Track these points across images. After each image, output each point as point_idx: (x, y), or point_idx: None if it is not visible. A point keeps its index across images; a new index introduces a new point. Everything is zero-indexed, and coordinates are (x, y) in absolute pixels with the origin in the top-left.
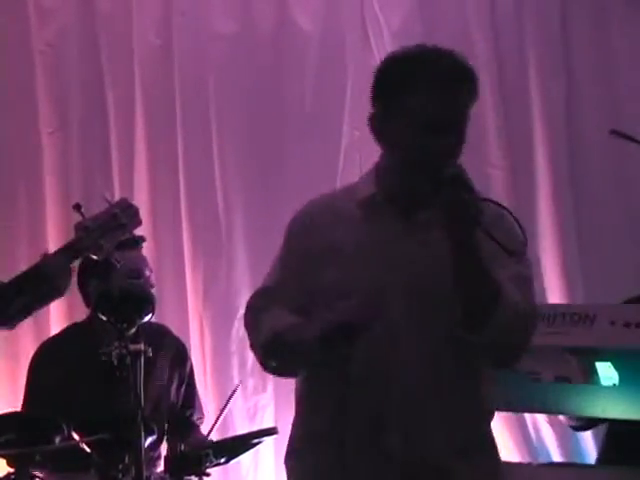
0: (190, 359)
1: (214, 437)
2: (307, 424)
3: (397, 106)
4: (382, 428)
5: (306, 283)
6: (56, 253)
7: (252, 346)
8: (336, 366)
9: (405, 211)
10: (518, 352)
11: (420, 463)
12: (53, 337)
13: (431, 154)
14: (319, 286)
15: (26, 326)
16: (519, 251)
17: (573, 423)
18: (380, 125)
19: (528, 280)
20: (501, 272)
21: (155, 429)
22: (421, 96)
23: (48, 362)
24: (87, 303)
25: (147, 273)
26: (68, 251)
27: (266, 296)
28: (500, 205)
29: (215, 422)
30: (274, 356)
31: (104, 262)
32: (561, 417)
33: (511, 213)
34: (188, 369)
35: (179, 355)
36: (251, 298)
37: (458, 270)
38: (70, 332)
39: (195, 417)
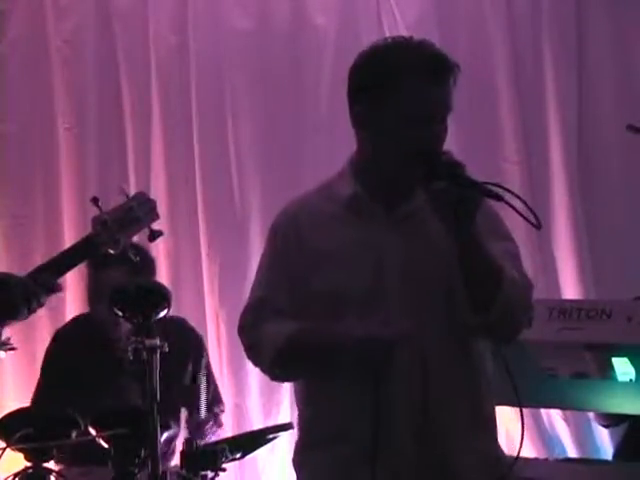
0: (207, 352)
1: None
2: (313, 425)
3: (387, 99)
4: (389, 425)
5: (298, 289)
6: (74, 246)
7: (253, 357)
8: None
9: (388, 205)
10: (520, 326)
11: (428, 457)
12: (67, 326)
13: (425, 142)
14: (313, 291)
15: (42, 321)
16: (501, 228)
17: (604, 422)
18: (368, 120)
19: (516, 255)
20: (493, 248)
21: (171, 424)
22: (411, 87)
23: (61, 352)
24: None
25: None
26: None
27: (259, 308)
28: (494, 187)
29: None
30: (287, 362)
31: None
32: (590, 416)
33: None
34: (205, 361)
35: (197, 348)
36: (244, 313)
37: (461, 254)
38: (83, 322)
39: (217, 409)
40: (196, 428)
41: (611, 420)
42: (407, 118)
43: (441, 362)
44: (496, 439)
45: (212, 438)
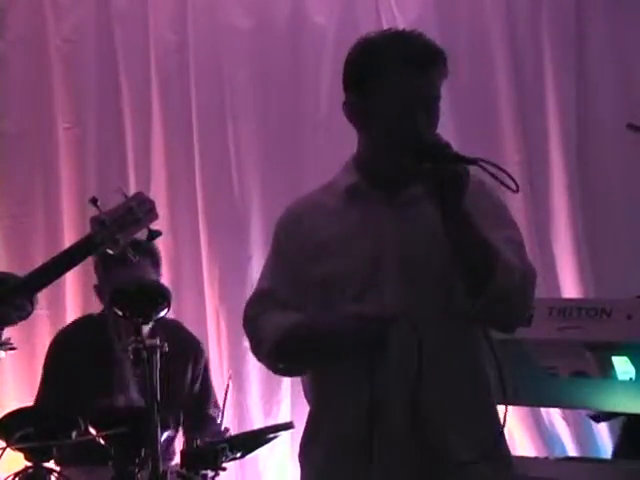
0: (205, 356)
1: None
2: (317, 421)
3: (374, 90)
4: (384, 416)
5: (301, 281)
6: (74, 246)
7: (255, 350)
8: (350, 360)
9: (388, 193)
10: (521, 312)
11: (424, 447)
12: (68, 328)
13: (411, 129)
14: (314, 279)
15: (42, 321)
16: (505, 216)
17: (591, 413)
18: (358, 111)
19: (519, 243)
20: (492, 234)
21: (171, 423)
22: (396, 76)
23: (63, 354)
24: (101, 298)
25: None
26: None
27: (263, 300)
28: (483, 161)
29: (221, 417)
30: (285, 355)
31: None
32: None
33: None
34: (202, 365)
35: (193, 351)
36: (248, 305)
37: (453, 236)
38: (85, 324)
39: (211, 412)
40: (193, 433)
41: (600, 413)
42: (392, 107)
43: (437, 349)
44: (495, 427)
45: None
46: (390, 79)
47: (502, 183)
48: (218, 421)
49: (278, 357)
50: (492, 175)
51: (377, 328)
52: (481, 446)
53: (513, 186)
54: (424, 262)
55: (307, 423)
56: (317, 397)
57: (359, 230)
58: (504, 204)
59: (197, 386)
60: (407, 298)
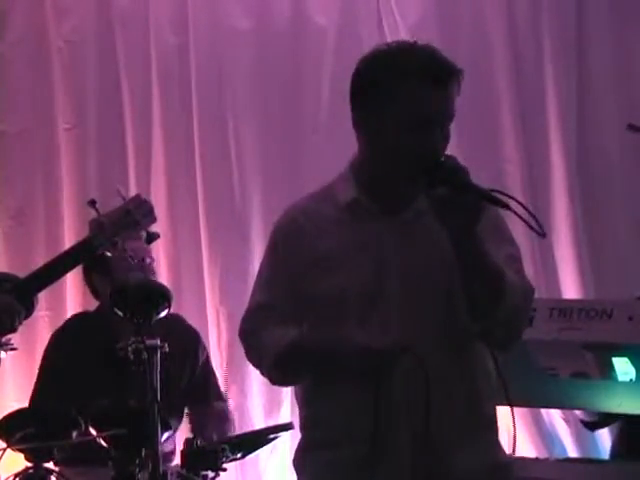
0: (205, 348)
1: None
2: (314, 427)
3: (385, 102)
4: (388, 428)
5: (299, 294)
6: (72, 249)
7: (256, 365)
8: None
9: (389, 209)
10: (520, 333)
11: (428, 462)
12: (64, 326)
13: (423, 147)
14: (314, 295)
15: (42, 321)
16: (505, 233)
17: (586, 419)
18: (367, 124)
19: (518, 260)
20: (493, 252)
21: (171, 424)
22: (409, 91)
23: (59, 352)
24: (95, 296)
25: (148, 261)
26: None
27: (262, 314)
28: (497, 194)
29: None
30: (285, 371)
31: (104, 257)
32: (577, 413)
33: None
34: (204, 359)
35: (191, 345)
36: (245, 318)
37: (462, 261)
38: (81, 322)
39: (216, 404)
40: (200, 427)
41: (594, 418)
42: (405, 123)
43: (440, 364)
44: (497, 441)
45: (227, 434)
46: (406, 92)
47: (529, 226)
48: (227, 412)
49: (279, 370)
50: (519, 216)
51: (381, 361)
52: (485, 459)
53: (539, 229)
54: (426, 279)
55: (304, 433)
56: (314, 410)
57: (361, 246)
58: (503, 219)
59: (198, 380)
60: (409, 315)
